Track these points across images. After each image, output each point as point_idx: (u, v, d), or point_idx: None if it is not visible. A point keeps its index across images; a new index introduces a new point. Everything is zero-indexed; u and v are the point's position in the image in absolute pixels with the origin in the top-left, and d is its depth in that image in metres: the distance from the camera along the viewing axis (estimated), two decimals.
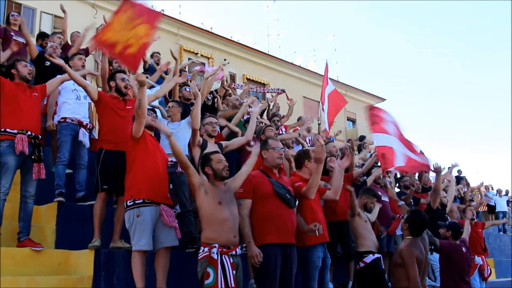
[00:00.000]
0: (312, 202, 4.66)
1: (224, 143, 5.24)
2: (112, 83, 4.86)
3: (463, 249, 5.70)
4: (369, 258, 4.95)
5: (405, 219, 4.94)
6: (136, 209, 4.11)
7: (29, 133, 4.46)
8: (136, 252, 4.08)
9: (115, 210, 4.66)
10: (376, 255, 5.04)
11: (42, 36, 7.69)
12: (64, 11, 7.42)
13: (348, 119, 25.15)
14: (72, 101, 5.47)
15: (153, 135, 4.56)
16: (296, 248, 4.24)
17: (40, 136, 4.64)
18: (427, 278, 5.78)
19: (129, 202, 4.15)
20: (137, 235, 4.08)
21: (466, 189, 10.39)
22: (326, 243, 4.78)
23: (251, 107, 5.60)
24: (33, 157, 4.49)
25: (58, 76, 5.01)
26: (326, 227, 4.78)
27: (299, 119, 9.55)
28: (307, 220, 4.60)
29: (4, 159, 4.34)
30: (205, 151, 4.61)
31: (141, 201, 4.12)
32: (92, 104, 5.30)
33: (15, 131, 4.39)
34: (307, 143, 8.57)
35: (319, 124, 9.03)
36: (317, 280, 4.58)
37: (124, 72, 5.05)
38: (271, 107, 8.84)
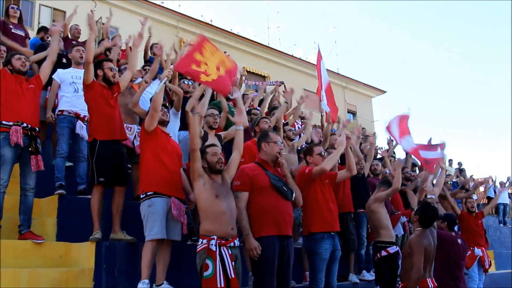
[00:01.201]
0: (320, 193, 4.69)
1: (222, 133, 5.25)
2: (100, 72, 4.77)
3: (459, 240, 5.74)
4: (393, 249, 5.16)
5: (415, 211, 5.05)
6: (148, 201, 4.16)
7: (24, 124, 4.47)
8: (149, 241, 4.11)
9: (112, 201, 4.65)
10: (398, 248, 5.19)
11: (43, 29, 7.69)
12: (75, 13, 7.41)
13: (348, 111, 25.12)
14: (70, 94, 5.43)
15: (165, 130, 4.55)
16: (303, 238, 4.26)
17: (37, 128, 4.64)
18: None
19: (142, 195, 4.20)
20: (149, 225, 4.13)
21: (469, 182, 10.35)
22: None
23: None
24: (30, 149, 4.50)
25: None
26: (337, 217, 4.80)
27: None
28: (313, 210, 4.65)
29: (1, 151, 4.35)
30: (206, 143, 4.62)
31: (152, 193, 4.17)
32: None
33: (11, 123, 4.41)
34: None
35: (322, 115, 8.98)
36: (324, 272, 4.61)
37: (111, 61, 5.02)
38: (272, 100, 8.83)
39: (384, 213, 5.41)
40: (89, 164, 4.61)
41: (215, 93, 8.08)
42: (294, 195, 4.17)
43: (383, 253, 5.15)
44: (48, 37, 7.36)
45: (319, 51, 8.70)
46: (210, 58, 4.28)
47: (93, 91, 4.67)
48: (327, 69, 8.92)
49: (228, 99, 6.91)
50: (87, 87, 4.68)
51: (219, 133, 5.30)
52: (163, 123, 4.51)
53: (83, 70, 5.60)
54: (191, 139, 3.90)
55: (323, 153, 4.90)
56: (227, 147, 5.76)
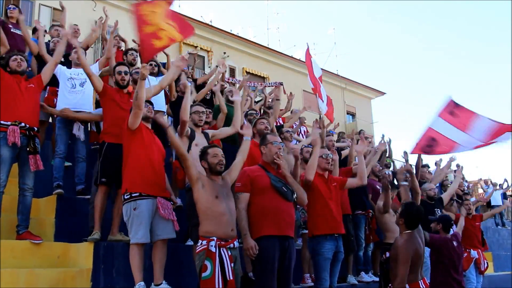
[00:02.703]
0: (325, 195, 4.78)
1: (210, 132, 5.14)
2: (114, 77, 4.91)
3: (454, 243, 5.69)
4: None
5: (400, 213, 4.86)
6: (133, 202, 4.12)
7: (22, 124, 4.47)
8: (134, 245, 4.09)
9: (114, 203, 4.66)
10: None
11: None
12: (62, 7, 7.41)
13: (347, 113, 25.15)
14: (67, 91, 5.39)
15: (150, 127, 4.54)
16: (307, 240, 4.42)
17: (36, 128, 4.64)
18: None
19: (126, 195, 4.16)
20: (134, 228, 4.09)
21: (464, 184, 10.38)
22: None
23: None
24: (28, 148, 4.49)
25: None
26: (341, 220, 4.91)
27: (291, 112, 9.62)
28: (317, 213, 4.74)
29: None
30: (194, 142, 4.62)
31: (137, 194, 4.13)
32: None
33: (9, 123, 4.41)
34: (303, 135, 8.56)
35: (320, 117, 9.00)
36: (328, 272, 4.69)
37: (124, 64, 5.05)
38: (269, 100, 8.85)
39: (389, 217, 5.54)
40: (91, 165, 4.63)
41: (213, 96, 8.09)
42: (295, 195, 4.18)
43: (387, 254, 5.23)
44: (44, 36, 7.33)
45: (307, 49, 8.67)
46: (156, 18, 4.28)
47: (106, 96, 4.75)
48: (326, 70, 8.87)
49: (229, 101, 6.91)
50: (99, 94, 4.79)
51: (208, 131, 5.18)
52: (148, 120, 4.50)
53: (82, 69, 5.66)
54: (178, 153, 3.96)
55: (325, 155, 4.94)
56: (228, 148, 5.76)
